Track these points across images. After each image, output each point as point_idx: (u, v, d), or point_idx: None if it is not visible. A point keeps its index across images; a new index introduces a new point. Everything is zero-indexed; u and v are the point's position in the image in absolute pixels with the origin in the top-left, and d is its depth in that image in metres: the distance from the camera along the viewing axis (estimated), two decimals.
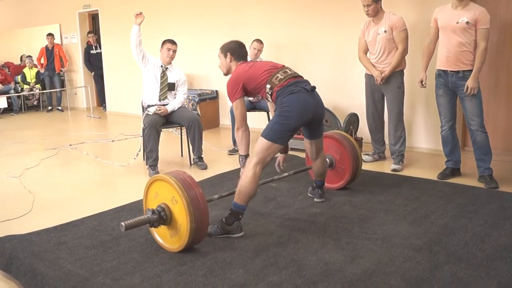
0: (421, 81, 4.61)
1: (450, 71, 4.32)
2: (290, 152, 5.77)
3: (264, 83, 3.40)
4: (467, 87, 4.21)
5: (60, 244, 3.15)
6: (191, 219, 2.84)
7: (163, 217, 2.98)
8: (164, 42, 5.39)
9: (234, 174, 4.82)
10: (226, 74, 3.69)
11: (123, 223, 2.87)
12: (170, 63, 5.39)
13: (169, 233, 3.05)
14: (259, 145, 3.23)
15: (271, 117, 6.01)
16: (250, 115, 6.53)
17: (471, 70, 4.23)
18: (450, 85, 4.37)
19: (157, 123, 5.09)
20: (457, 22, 4.21)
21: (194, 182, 2.99)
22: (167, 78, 5.34)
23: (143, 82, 5.41)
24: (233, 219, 3.21)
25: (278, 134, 3.24)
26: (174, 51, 5.36)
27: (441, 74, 4.41)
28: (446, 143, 4.56)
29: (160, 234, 3.13)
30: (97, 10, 10.10)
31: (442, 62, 4.38)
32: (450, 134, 4.52)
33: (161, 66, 5.35)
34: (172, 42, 5.37)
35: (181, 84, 5.45)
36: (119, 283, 2.63)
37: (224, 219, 3.23)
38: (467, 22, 4.16)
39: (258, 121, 7.02)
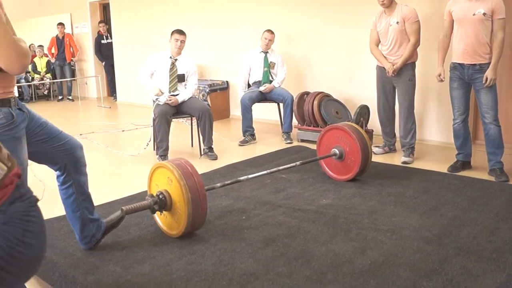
0: (439, 75, 4.53)
1: (467, 64, 4.27)
2: (301, 143, 5.81)
3: None
4: (486, 78, 4.16)
5: (71, 232, 3.17)
6: (187, 195, 2.87)
7: (162, 200, 3.01)
8: (172, 32, 5.38)
9: (244, 165, 4.84)
10: None
11: (123, 208, 2.92)
12: (179, 53, 5.37)
13: (171, 219, 3.09)
14: None
15: (282, 108, 6.08)
16: (261, 106, 6.60)
17: (487, 63, 4.19)
18: (466, 78, 4.32)
19: (168, 113, 5.09)
20: (474, 14, 4.15)
21: (189, 164, 3.04)
22: (176, 70, 5.34)
23: (153, 74, 5.42)
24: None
25: None
26: (183, 42, 5.34)
27: (457, 67, 4.36)
28: (457, 136, 4.53)
29: (163, 221, 3.18)
30: None
31: (459, 55, 4.32)
32: (463, 127, 4.48)
33: (170, 57, 5.35)
34: (180, 33, 5.35)
35: (191, 75, 5.45)
36: (129, 271, 2.65)
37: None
38: (484, 14, 4.11)
39: (269, 112, 7.03)
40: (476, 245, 2.89)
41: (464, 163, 4.56)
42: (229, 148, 5.78)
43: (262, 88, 6.13)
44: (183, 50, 5.44)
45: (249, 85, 6.39)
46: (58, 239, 3.08)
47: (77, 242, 2.99)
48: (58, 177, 2.73)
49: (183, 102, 5.27)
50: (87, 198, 2.84)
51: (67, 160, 2.66)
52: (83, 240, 2.89)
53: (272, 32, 6.20)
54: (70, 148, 2.65)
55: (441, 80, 4.56)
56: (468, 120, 4.52)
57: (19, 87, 10.37)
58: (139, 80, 5.43)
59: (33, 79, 10.91)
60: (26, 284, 2.37)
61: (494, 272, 2.56)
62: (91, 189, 2.92)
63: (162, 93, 5.21)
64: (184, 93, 5.31)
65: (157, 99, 5.22)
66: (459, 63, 4.34)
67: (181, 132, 6.67)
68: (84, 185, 2.81)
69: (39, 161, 2.61)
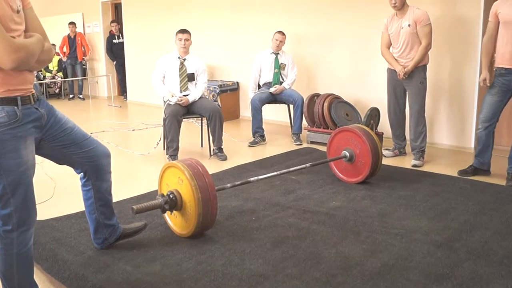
0: (484, 80, 4.29)
1: None
2: (310, 145, 5.80)
3: None
4: None
5: (81, 231, 3.19)
6: (197, 195, 2.88)
7: (173, 200, 3.01)
8: (176, 33, 5.40)
9: (254, 166, 4.84)
10: None
11: (134, 207, 2.92)
12: (186, 53, 5.38)
13: (181, 219, 3.09)
14: None
15: (292, 110, 6.07)
16: (271, 107, 6.60)
17: None
18: None
19: (178, 113, 5.11)
20: None
21: (200, 164, 3.04)
22: (185, 69, 5.35)
23: (165, 77, 5.44)
24: None
25: None
26: (187, 40, 5.35)
27: (503, 74, 4.16)
28: (478, 142, 4.45)
29: (173, 221, 3.19)
30: None
31: (507, 59, 4.12)
32: (484, 136, 4.35)
33: (179, 57, 5.36)
34: (183, 31, 5.36)
35: (201, 73, 5.45)
36: (139, 270, 2.66)
37: None
38: None
39: (279, 113, 7.03)
40: (487, 250, 2.87)
41: (477, 169, 4.51)
42: (239, 149, 5.79)
43: (272, 89, 6.13)
44: (191, 50, 5.46)
45: (259, 86, 6.40)
46: (69, 237, 3.09)
47: (88, 241, 3.01)
48: (80, 178, 2.73)
49: (193, 102, 5.28)
50: (106, 204, 2.81)
51: (88, 167, 2.62)
52: (95, 240, 2.90)
53: (283, 34, 6.21)
54: (94, 156, 2.60)
55: (487, 85, 4.32)
56: (492, 129, 4.34)
57: None
58: (153, 86, 5.44)
59: (44, 77, 10.98)
60: (38, 282, 2.40)
61: (505, 277, 2.55)
62: None
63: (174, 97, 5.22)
64: (195, 92, 5.32)
65: (168, 99, 5.24)
66: (505, 68, 4.16)
67: (191, 132, 6.69)
68: (104, 192, 2.76)
69: (59, 163, 2.58)
